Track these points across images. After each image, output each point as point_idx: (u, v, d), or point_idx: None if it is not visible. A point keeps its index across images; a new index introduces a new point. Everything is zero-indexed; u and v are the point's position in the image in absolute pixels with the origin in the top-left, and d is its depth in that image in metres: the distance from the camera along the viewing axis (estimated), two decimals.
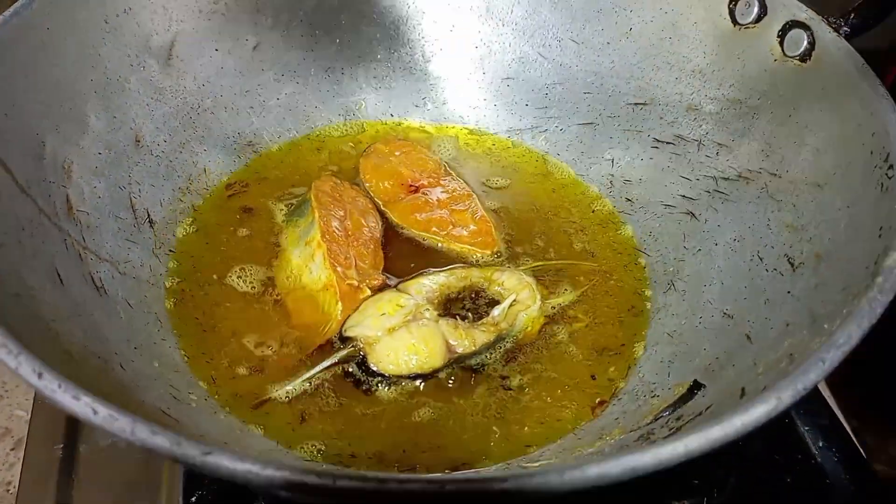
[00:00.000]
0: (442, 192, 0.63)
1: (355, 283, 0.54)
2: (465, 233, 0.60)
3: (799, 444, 0.56)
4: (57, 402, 0.30)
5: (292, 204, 0.62)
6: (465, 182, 0.65)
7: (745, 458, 0.55)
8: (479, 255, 0.60)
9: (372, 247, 0.58)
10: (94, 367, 0.41)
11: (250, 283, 0.56)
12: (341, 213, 0.58)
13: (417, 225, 0.60)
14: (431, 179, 0.64)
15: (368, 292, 0.54)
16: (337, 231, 0.57)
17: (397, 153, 0.66)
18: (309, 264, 0.56)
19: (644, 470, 0.28)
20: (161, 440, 0.28)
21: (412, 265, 0.58)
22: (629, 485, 0.50)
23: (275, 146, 0.67)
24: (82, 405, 0.29)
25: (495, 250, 0.60)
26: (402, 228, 0.61)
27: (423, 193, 0.63)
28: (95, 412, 0.29)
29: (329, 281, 0.54)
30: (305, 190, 0.61)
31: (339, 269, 0.54)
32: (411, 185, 0.63)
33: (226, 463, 0.28)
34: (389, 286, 0.56)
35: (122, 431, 0.29)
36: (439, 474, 0.28)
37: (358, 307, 0.53)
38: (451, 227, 0.60)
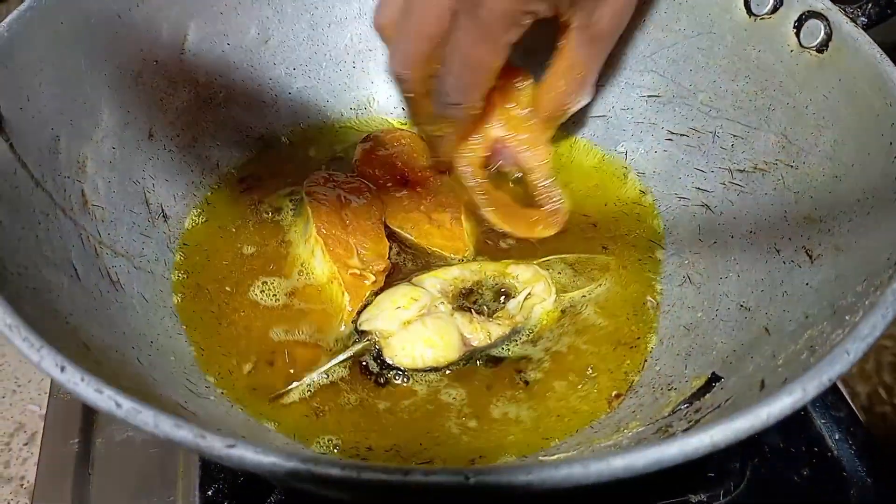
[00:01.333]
0: (427, 189, 0.62)
1: (358, 271, 0.54)
2: (438, 233, 0.60)
3: (815, 437, 0.56)
4: (79, 396, 0.30)
5: (296, 202, 0.62)
6: (449, 181, 0.64)
7: (762, 451, 0.55)
8: (451, 257, 0.59)
9: (373, 233, 0.58)
10: (112, 361, 0.41)
11: (264, 277, 0.56)
12: (337, 204, 0.58)
13: (395, 220, 0.60)
14: (421, 175, 0.64)
15: (373, 278, 0.54)
16: (333, 223, 0.57)
17: (395, 144, 0.65)
18: (312, 260, 0.56)
19: (670, 462, 0.28)
20: (185, 433, 0.28)
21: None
22: (647, 478, 0.50)
23: (287, 140, 0.67)
24: (105, 398, 0.29)
25: (465, 255, 0.59)
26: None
27: (411, 188, 0.62)
28: (119, 405, 0.29)
29: (332, 274, 0.54)
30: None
31: (339, 260, 0.54)
32: (400, 178, 0.63)
33: (250, 456, 0.28)
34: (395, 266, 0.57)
35: (146, 424, 0.29)
36: (462, 467, 0.28)
37: (372, 299, 0.54)
38: (427, 225, 0.60)
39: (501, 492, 0.27)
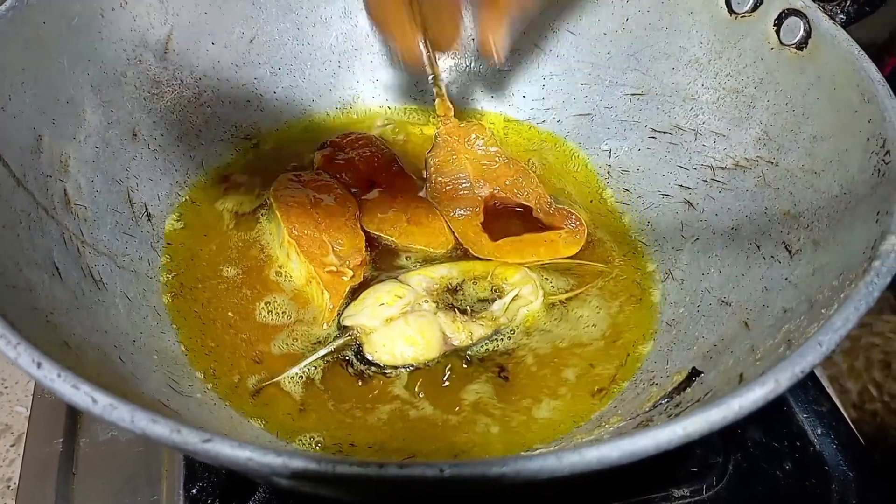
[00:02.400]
0: (396, 188, 0.63)
1: (335, 268, 0.54)
2: (418, 231, 0.60)
3: (797, 432, 0.56)
4: (56, 392, 0.30)
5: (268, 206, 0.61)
6: (413, 178, 0.64)
7: (744, 445, 0.55)
8: (434, 252, 0.59)
9: (347, 228, 0.58)
10: (93, 359, 0.41)
11: (247, 276, 0.56)
12: (307, 203, 0.58)
13: (373, 223, 0.60)
14: (386, 174, 0.64)
15: (350, 273, 0.54)
16: (305, 223, 0.57)
17: (356, 147, 0.65)
18: (288, 262, 0.56)
19: (643, 453, 0.28)
20: (161, 428, 0.28)
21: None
22: (629, 473, 0.51)
23: (272, 139, 0.67)
24: (81, 394, 0.29)
25: (450, 248, 0.59)
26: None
27: (380, 189, 0.62)
28: (95, 401, 0.29)
29: (309, 274, 0.55)
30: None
31: (315, 259, 0.55)
32: (366, 181, 0.63)
33: (226, 450, 0.28)
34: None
35: (122, 420, 0.29)
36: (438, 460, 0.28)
37: (355, 296, 0.54)
38: (405, 224, 0.60)
39: (476, 484, 0.27)
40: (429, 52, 0.62)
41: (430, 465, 0.27)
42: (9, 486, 0.71)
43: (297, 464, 0.27)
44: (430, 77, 0.64)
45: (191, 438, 0.28)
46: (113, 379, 0.41)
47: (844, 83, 0.48)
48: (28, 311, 0.39)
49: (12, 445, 0.74)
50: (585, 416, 0.49)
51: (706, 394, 0.42)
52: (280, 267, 0.57)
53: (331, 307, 0.53)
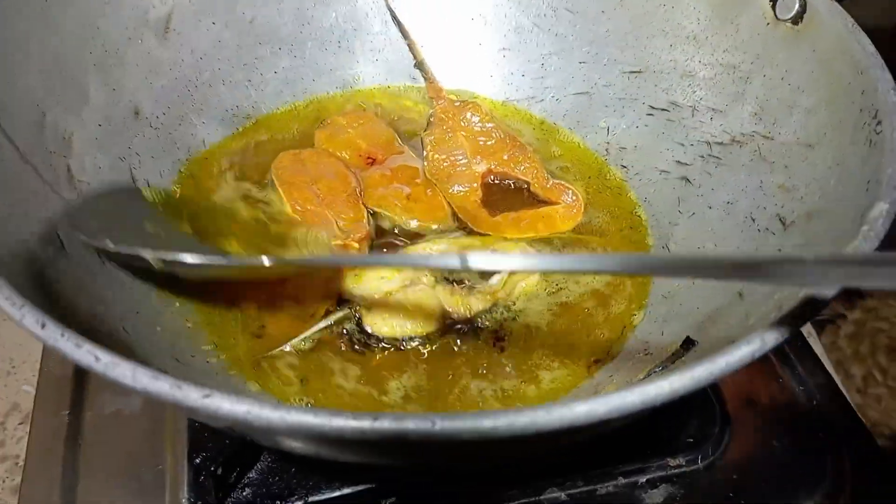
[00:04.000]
0: (396, 165, 0.63)
1: (340, 242, 0.55)
2: (418, 207, 0.61)
3: (793, 404, 0.57)
4: (60, 351, 0.30)
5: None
6: (413, 155, 0.65)
7: (740, 416, 0.56)
8: (434, 227, 0.60)
9: (350, 203, 0.59)
10: (96, 329, 0.42)
11: (251, 250, 0.57)
12: (308, 180, 0.59)
13: (373, 200, 0.61)
14: (386, 152, 0.64)
15: (356, 246, 0.55)
16: (307, 199, 0.58)
17: (355, 125, 0.66)
18: (292, 237, 0.57)
19: (630, 408, 0.29)
20: (162, 385, 0.29)
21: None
22: (627, 441, 0.51)
23: (273, 118, 0.68)
24: (84, 352, 0.30)
25: (449, 223, 0.60)
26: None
27: (380, 166, 0.63)
28: (98, 359, 0.30)
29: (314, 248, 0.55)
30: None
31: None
32: (368, 158, 0.64)
33: (225, 405, 0.29)
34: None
35: (124, 377, 0.29)
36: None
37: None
38: (405, 201, 0.61)
39: (467, 437, 0.28)
40: (408, 39, 0.64)
41: (422, 418, 0.28)
42: (17, 463, 0.73)
43: (294, 417, 0.28)
44: (415, 63, 0.65)
45: (191, 394, 0.29)
46: (116, 348, 0.41)
47: (838, 56, 0.48)
48: (33, 280, 0.40)
49: (20, 423, 0.75)
50: (581, 385, 0.50)
51: (698, 360, 0.42)
52: (282, 241, 0.57)
53: (335, 280, 0.54)
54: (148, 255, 0.46)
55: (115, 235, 0.47)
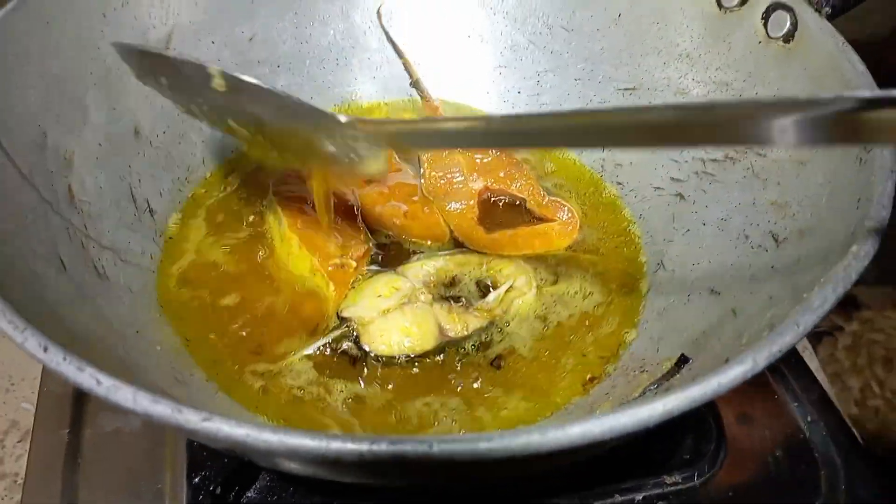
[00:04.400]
0: (394, 183, 0.64)
1: (338, 261, 0.55)
2: (415, 225, 0.61)
3: (788, 420, 0.57)
4: (62, 374, 0.31)
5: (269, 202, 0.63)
6: (410, 173, 0.66)
7: (735, 434, 0.56)
8: (431, 245, 0.60)
9: (347, 220, 0.59)
10: (97, 348, 0.42)
11: (248, 270, 0.57)
12: (307, 198, 0.60)
13: (370, 219, 0.61)
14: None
15: (354, 264, 0.56)
16: (305, 217, 0.58)
17: None
18: (291, 255, 0.57)
19: (623, 429, 0.29)
20: (162, 408, 0.30)
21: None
22: (623, 460, 0.52)
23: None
24: (86, 376, 0.30)
25: (446, 241, 0.61)
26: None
27: (376, 184, 0.64)
28: (99, 382, 0.30)
29: (314, 267, 0.56)
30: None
31: (318, 252, 0.56)
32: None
33: (225, 429, 0.29)
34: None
35: (125, 401, 0.30)
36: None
37: (354, 285, 0.55)
38: (402, 218, 0.61)
39: (464, 459, 0.29)
40: (403, 58, 0.64)
41: (419, 441, 0.28)
42: (16, 482, 0.73)
43: (292, 441, 0.28)
44: (410, 82, 0.66)
45: (192, 417, 0.29)
46: (116, 368, 0.42)
47: (829, 75, 0.49)
48: (34, 301, 0.40)
49: (19, 441, 0.75)
50: (576, 404, 0.50)
51: (693, 379, 0.43)
52: (281, 261, 0.58)
53: (335, 298, 0.54)
54: (213, 70, 0.42)
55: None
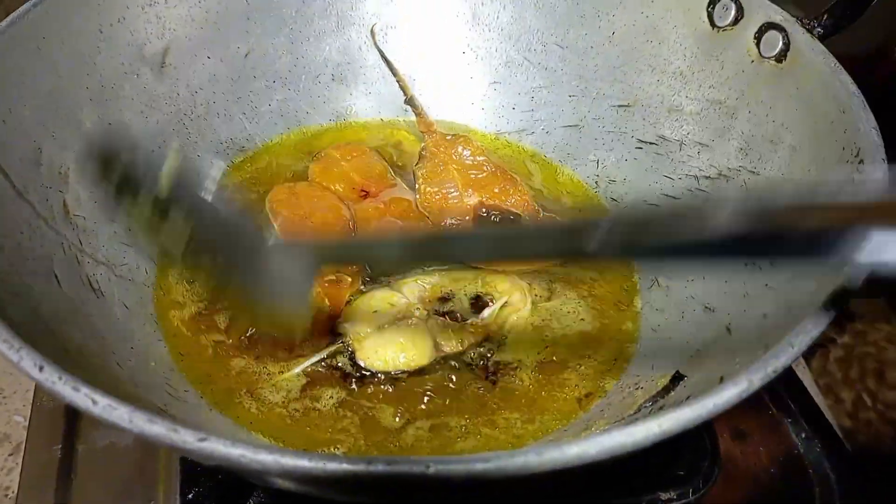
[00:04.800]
0: (389, 198, 0.64)
1: (333, 277, 0.55)
2: None
3: (782, 437, 0.58)
4: (57, 394, 0.31)
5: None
6: (406, 188, 0.66)
7: (730, 450, 0.56)
8: None
9: (342, 235, 0.59)
10: (91, 364, 0.42)
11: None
12: (302, 214, 0.60)
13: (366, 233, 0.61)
14: (380, 185, 0.65)
15: (349, 279, 0.56)
16: (301, 233, 0.58)
17: (348, 158, 0.67)
18: None
19: (620, 449, 0.29)
20: (159, 428, 0.30)
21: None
22: (618, 476, 0.52)
23: (267, 151, 0.69)
24: (82, 396, 0.30)
25: None
26: None
27: (374, 199, 0.64)
28: (95, 402, 0.30)
29: None
30: None
31: None
32: (362, 191, 0.64)
33: (220, 449, 0.29)
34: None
35: (121, 420, 0.30)
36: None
37: (349, 300, 0.55)
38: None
39: (460, 480, 0.29)
40: (397, 76, 0.66)
41: (416, 462, 0.28)
42: (7, 495, 0.72)
43: (288, 461, 0.28)
44: (405, 100, 0.67)
45: (188, 437, 0.29)
46: (111, 384, 0.42)
47: (821, 94, 0.50)
48: (29, 317, 0.40)
49: (10, 454, 0.75)
50: (572, 420, 0.50)
51: (688, 396, 0.43)
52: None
53: (331, 313, 0.54)
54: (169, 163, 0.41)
55: None
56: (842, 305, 0.35)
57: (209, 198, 0.43)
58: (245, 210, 0.45)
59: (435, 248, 0.40)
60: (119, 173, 0.42)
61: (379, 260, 0.53)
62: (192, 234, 0.43)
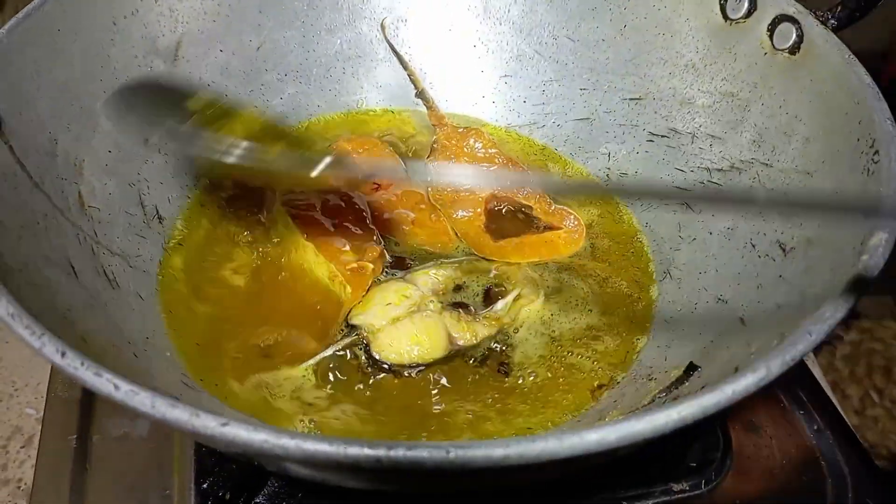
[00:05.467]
0: (401, 191, 0.64)
1: (355, 264, 0.56)
2: (422, 232, 0.62)
3: (794, 429, 0.58)
4: (79, 380, 0.31)
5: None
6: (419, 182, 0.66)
7: (742, 442, 0.56)
8: (438, 252, 0.61)
9: (359, 224, 0.60)
10: (108, 353, 0.42)
11: (257, 277, 0.58)
12: (315, 205, 0.60)
13: (378, 226, 0.61)
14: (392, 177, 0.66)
15: (371, 266, 0.56)
16: (317, 226, 0.58)
17: (360, 150, 0.67)
18: (307, 262, 0.58)
19: (640, 436, 0.29)
20: (180, 413, 0.30)
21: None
22: (632, 466, 0.52)
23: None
24: (104, 381, 0.31)
25: (452, 247, 0.61)
26: None
27: (385, 192, 0.64)
28: (117, 388, 0.30)
29: (332, 273, 0.56)
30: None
31: (334, 258, 0.56)
32: (374, 183, 0.65)
33: (242, 434, 0.29)
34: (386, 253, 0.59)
35: (143, 405, 0.30)
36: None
37: (367, 292, 0.55)
38: (410, 226, 0.62)
39: (480, 465, 0.29)
40: (408, 69, 0.67)
41: (436, 447, 0.28)
42: (19, 487, 0.73)
43: (310, 446, 0.29)
44: (415, 93, 0.67)
45: (209, 423, 0.29)
46: (128, 374, 0.42)
47: (835, 86, 0.49)
48: (48, 307, 0.40)
49: (23, 447, 0.75)
50: (586, 411, 0.50)
51: (702, 387, 0.43)
52: (294, 268, 0.58)
53: (353, 302, 0.55)
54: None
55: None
56: (861, 293, 0.35)
57: None
58: None
59: None
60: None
61: None
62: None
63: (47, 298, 0.41)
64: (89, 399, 0.57)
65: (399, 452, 0.28)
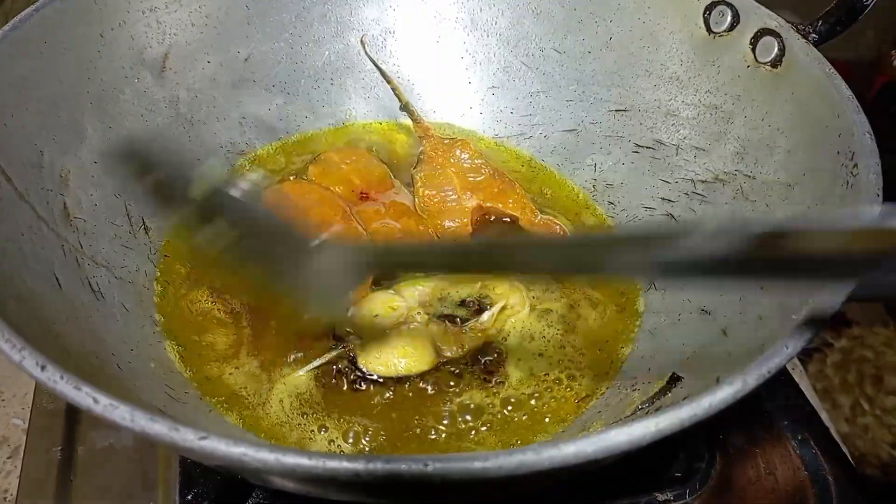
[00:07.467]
0: (389, 201, 0.65)
1: None
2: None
3: (778, 438, 0.58)
4: (59, 393, 0.31)
5: None
6: (406, 191, 0.67)
7: (727, 451, 0.56)
8: None
9: (347, 230, 0.60)
10: (92, 365, 0.43)
11: (247, 286, 0.58)
12: (303, 214, 0.60)
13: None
14: (379, 187, 0.66)
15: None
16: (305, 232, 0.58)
17: (348, 161, 0.67)
18: None
19: (617, 448, 0.30)
20: (159, 427, 0.30)
21: None
22: (615, 476, 0.52)
23: (267, 155, 0.69)
24: (83, 395, 0.31)
25: None
26: None
27: (372, 201, 0.64)
28: (96, 401, 0.30)
29: None
30: None
31: None
32: (361, 193, 0.65)
33: (221, 448, 0.29)
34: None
35: (122, 419, 0.30)
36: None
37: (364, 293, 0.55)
38: (397, 235, 0.62)
39: (459, 478, 0.29)
40: (391, 83, 0.69)
41: (414, 460, 0.28)
42: (5, 498, 0.72)
43: (289, 460, 0.29)
44: (400, 106, 0.67)
45: (188, 436, 0.29)
46: (112, 385, 0.42)
47: (816, 99, 0.50)
48: (30, 319, 0.40)
49: (9, 458, 0.75)
50: (570, 422, 0.51)
51: (684, 398, 0.43)
52: None
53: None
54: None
55: None
56: (838, 305, 0.35)
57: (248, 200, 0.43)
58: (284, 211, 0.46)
59: (488, 255, 0.39)
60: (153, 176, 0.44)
61: (428, 267, 0.52)
62: (233, 235, 0.44)
63: (30, 310, 0.41)
64: (74, 410, 0.57)
65: (377, 465, 0.28)
